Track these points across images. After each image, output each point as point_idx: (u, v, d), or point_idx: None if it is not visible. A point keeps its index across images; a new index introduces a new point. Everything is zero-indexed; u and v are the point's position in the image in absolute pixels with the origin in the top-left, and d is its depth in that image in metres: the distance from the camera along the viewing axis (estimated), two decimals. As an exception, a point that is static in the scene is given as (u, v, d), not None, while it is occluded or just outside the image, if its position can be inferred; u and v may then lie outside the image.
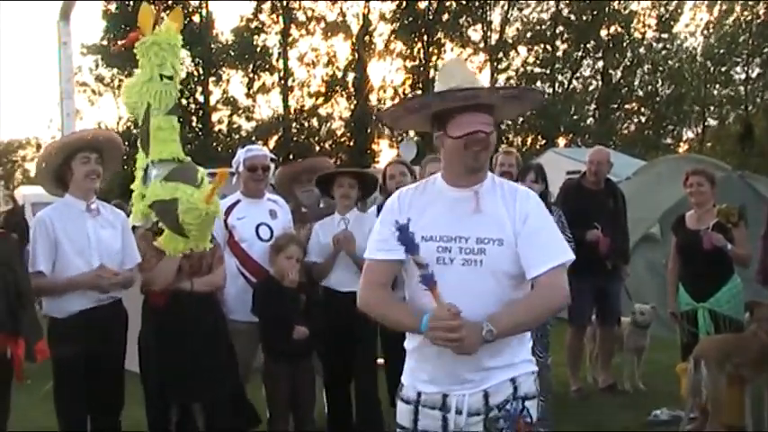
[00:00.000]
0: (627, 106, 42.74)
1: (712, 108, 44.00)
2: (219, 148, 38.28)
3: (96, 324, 4.82)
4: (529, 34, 42.30)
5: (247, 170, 5.75)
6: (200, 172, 3.25)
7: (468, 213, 2.95)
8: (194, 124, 40.70)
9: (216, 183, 3.04)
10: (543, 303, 2.94)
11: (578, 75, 42.85)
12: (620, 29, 41.22)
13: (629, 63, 41.77)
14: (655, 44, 41.72)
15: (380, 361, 6.26)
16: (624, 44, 41.33)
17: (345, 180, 5.71)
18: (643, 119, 43.17)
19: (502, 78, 41.55)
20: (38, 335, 4.56)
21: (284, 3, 41.21)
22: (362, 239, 5.49)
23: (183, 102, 40.26)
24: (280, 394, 5.39)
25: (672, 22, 42.07)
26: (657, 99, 42.33)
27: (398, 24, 41.03)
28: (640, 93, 42.73)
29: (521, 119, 40.86)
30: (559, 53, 42.36)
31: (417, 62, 41.57)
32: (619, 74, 42.22)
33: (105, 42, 37.27)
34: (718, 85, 43.18)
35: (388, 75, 45.31)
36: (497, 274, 2.91)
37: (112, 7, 37.22)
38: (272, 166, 6.04)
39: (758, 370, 5.93)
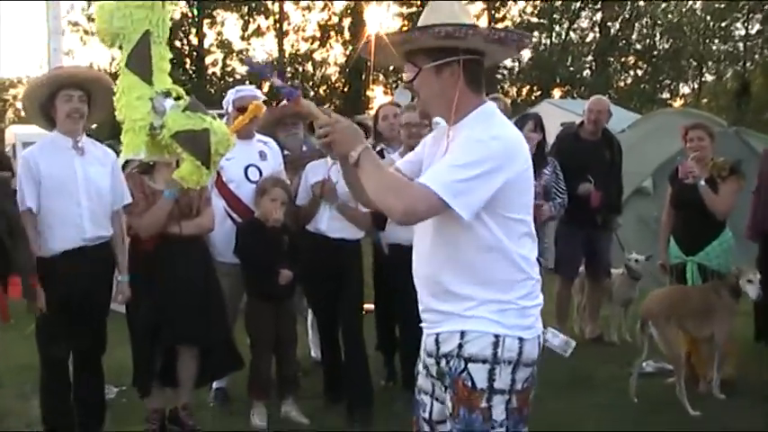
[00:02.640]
0: (624, 59, 42.48)
1: (710, 63, 43.76)
2: (213, 91, 37.99)
3: (81, 265, 4.75)
4: (527, -17, 41.88)
5: (236, 110, 5.71)
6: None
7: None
8: (188, 67, 40.37)
9: (247, 115, 2.96)
10: (392, 195, 2.61)
11: (576, 26, 42.53)
12: (619, -19, 40.81)
13: (627, 16, 41.41)
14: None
15: (371, 306, 6.29)
16: (623, -4, 40.95)
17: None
18: (640, 72, 42.96)
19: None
20: (32, 269, 4.49)
21: (280, -55, 40.67)
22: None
23: (177, 44, 39.95)
24: (263, 335, 5.40)
25: (672, -24, 41.69)
26: (655, 53, 42.06)
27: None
28: (638, 46, 42.44)
29: (516, 69, 40.62)
30: (558, 3, 41.94)
31: (414, 8, 41.14)
32: (617, 26, 41.89)
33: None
34: (717, 41, 42.87)
35: (384, 21, 44.84)
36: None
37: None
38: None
39: (699, 324, 5.87)
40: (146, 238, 5.02)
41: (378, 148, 6.34)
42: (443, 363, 2.78)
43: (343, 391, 5.69)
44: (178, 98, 3.05)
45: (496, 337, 2.67)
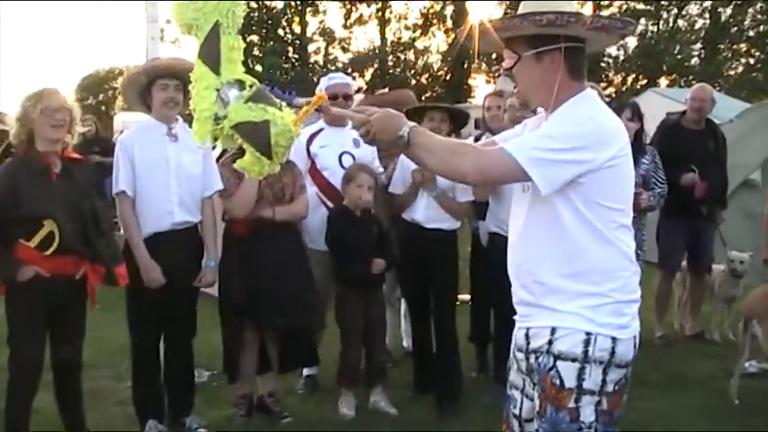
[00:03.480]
0: (735, 47, 41.06)
1: (827, 51, 41.97)
2: (315, 79, 38.38)
3: (169, 248, 4.83)
4: (634, -31, 40.87)
5: (329, 98, 5.69)
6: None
7: None
8: (291, 55, 40.88)
9: (310, 106, 2.94)
10: (457, 159, 2.61)
11: (684, 12, 41.26)
12: (731, -36, 39.44)
13: (739, 1, 39.98)
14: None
15: (465, 297, 6.23)
16: (735, -20, 39.57)
17: (436, 114, 5.59)
18: (752, 60, 41.46)
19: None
20: (117, 260, 4.60)
21: (384, -67, 40.73)
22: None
23: (280, 32, 40.49)
24: (353, 324, 5.38)
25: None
26: (768, 40, 40.56)
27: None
28: (751, 33, 40.94)
29: (621, 57, 39.71)
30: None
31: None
32: (728, 12, 40.50)
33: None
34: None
35: (486, 8, 44.50)
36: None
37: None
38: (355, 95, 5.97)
39: None
40: (239, 221, 5.08)
41: (483, 139, 6.27)
42: (533, 358, 2.71)
43: (432, 381, 5.64)
44: (251, 87, 3.04)
45: (588, 335, 2.58)
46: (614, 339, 2.59)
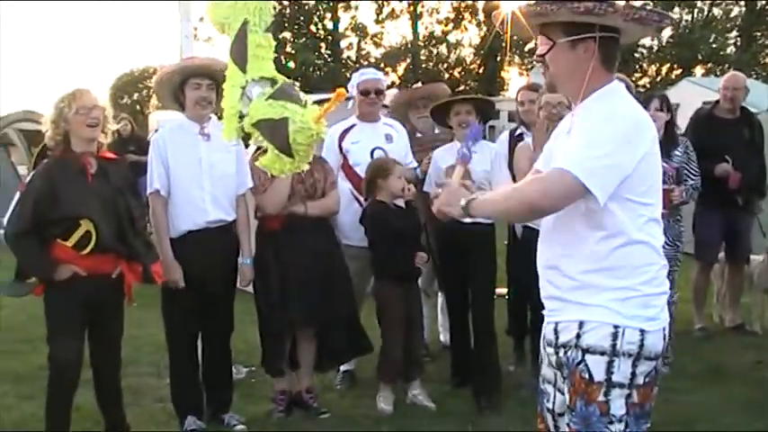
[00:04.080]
0: (772, 34, 40.50)
1: None
2: (348, 75, 38.45)
3: (204, 246, 4.88)
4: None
5: (360, 94, 5.76)
6: (301, 93, 3.16)
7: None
8: (323, 51, 40.99)
9: (331, 102, 2.93)
10: (518, 194, 2.68)
11: (719, 0, 40.76)
12: (767, -51, 38.83)
13: (776, -12, 39.44)
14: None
15: (502, 290, 6.21)
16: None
17: (462, 107, 5.55)
18: (789, 47, 40.88)
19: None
20: (153, 258, 4.64)
21: (415, -72, 40.66)
22: (481, 168, 5.41)
23: (312, 28, 40.59)
24: (394, 318, 5.34)
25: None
26: (808, 26, 39.92)
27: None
28: (788, 19, 40.36)
29: (655, 47, 39.29)
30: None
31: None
32: (765, -1, 39.94)
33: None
34: None
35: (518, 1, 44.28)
36: None
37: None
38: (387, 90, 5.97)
39: None
40: (272, 216, 5.10)
41: (518, 132, 6.25)
42: (561, 353, 2.70)
43: (470, 375, 5.63)
44: (278, 81, 3.06)
45: (616, 327, 2.58)
46: (642, 332, 2.59)
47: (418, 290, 5.63)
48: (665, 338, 2.67)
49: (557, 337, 2.72)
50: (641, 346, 2.58)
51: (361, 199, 5.59)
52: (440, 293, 6.59)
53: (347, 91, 5.85)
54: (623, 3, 2.65)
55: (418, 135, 6.30)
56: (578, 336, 2.63)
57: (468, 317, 5.70)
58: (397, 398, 5.47)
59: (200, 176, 4.91)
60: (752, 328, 7.35)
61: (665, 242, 5.97)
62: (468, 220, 5.46)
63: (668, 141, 5.99)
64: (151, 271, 4.57)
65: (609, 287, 2.60)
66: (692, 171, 6.07)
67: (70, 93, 4.44)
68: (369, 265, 5.53)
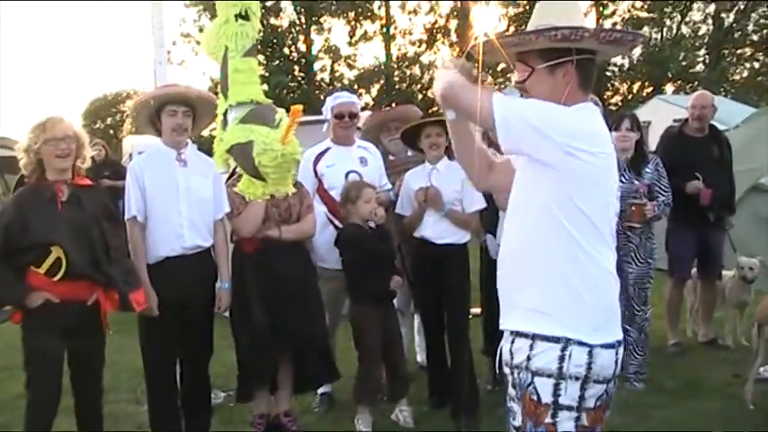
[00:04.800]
0: (739, 51, 40.98)
1: (832, 52, 41.81)
2: (322, 97, 38.50)
3: (182, 272, 4.88)
4: (636, -23, 40.88)
5: (335, 117, 5.79)
6: (278, 113, 3.16)
7: None
8: (297, 73, 41.02)
9: (290, 121, 2.95)
10: (452, 80, 2.76)
11: (688, 19, 41.23)
12: (733, -31, 39.38)
13: (742, 6, 39.94)
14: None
15: (477, 310, 6.24)
16: (738, -14, 39.51)
17: (433, 129, 5.59)
18: (756, 65, 41.37)
19: (608, 24, 40.37)
20: (133, 285, 4.63)
21: (386, -51, 40.88)
22: (452, 189, 5.47)
23: (286, 51, 40.62)
24: (372, 340, 5.34)
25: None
26: (773, 43, 40.44)
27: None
28: (755, 37, 40.86)
29: (626, 65, 39.68)
30: (668, -4, 40.82)
31: (521, 9, 40.76)
32: (731, 17, 40.45)
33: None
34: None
35: (490, 22, 44.55)
36: None
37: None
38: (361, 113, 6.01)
39: None
40: (247, 239, 5.11)
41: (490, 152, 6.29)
42: (515, 374, 2.78)
43: (448, 395, 5.65)
44: (259, 104, 3.09)
45: (563, 350, 2.63)
46: (591, 353, 2.63)
47: (394, 310, 5.64)
48: (617, 363, 2.72)
49: (511, 358, 2.80)
50: (589, 368, 2.63)
51: (337, 222, 5.62)
52: (416, 315, 6.61)
53: (323, 113, 5.93)
54: (597, 26, 2.73)
55: (391, 158, 6.32)
56: (528, 358, 2.70)
57: (444, 337, 5.72)
58: (375, 420, 5.47)
59: (178, 201, 4.91)
60: (725, 342, 7.43)
61: (638, 259, 6.08)
62: (440, 240, 5.54)
63: (639, 159, 6.12)
64: (129, 298, 4.56)
65: (558, 300, 2.69)
66: (662, 188, 6.15)
67: (41, 122, 4.45)
68: (344, 287, 5.54)
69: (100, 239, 4.47)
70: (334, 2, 40.87)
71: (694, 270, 7.55)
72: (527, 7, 39.48)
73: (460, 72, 2.76)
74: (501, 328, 2.89)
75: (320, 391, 5.89)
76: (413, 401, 5.76)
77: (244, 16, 3.21)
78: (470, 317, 5.77)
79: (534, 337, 2.68)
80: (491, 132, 2.66)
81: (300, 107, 3.05)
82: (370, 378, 5.41)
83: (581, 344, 2.62)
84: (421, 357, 6.71)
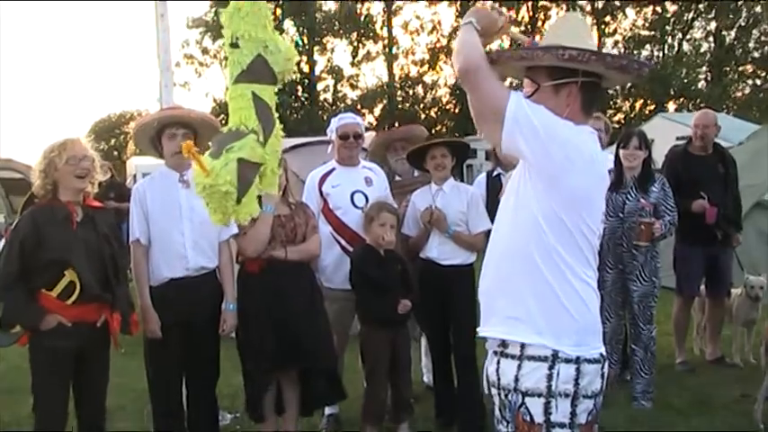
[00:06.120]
0: (741, 68, 41.07)
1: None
2: (325, 117, 38.66)
3: (186, 293, 4.89)
4: (637, -5, 41.02)
5: (339, 138, 5.81)
6: (243, 139, 3.10)
7: None
8: (300, 94, 41.18)
9: (187, 156, 2.96)
10: (475, 47, 2.79)
11: (689, 37, 41.39)
12: (734, -14, 39.50)
13: (743, 23, 40.05)
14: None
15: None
16: (738, 3, 39.56)
17: (438, 151, 5.63)
18: (759, 81, 41.44)
19: (609, 42, 40.53)
20: (131, 308, 4.66)
21: (388, -30, 41.10)
22: (458, 209, 5.48)
23: (289, 71, 40.79)
24: (379, 361, 5.35)
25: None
26: (774, 60, 40.53)
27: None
28: (756, 54, 40.96)
29: (628, 83, 39.76)
30: (669, 15, 40.93)
31: (522, 28, 40.91)
32: (732, 35, 40.56)
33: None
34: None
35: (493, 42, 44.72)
36: None
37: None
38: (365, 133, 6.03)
39: None
40: (252, 259, 5.09)
41: (495, 173, 6.33)
42: (502, 395, 2.79)
43: (455, 416, 5.64)
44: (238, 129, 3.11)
45: (550, 369, 2.65)
46: (578, 369, 2.65)
47: (407, 333, 5.63)
48: (602, 377, 2.74)
49: (498, 379, 2.81)
50: (576, 384, 2.66)
51: (343, 242, 5.62)
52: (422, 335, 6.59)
53: (326, 134, 5.94)
54: (605, 51, 2.75)
55: (397, 178, 6.34)
56: (516, 379, 2.71)
57: (450, 357, 5.71)
58: (382, 440, 5.45)
59: (181, 223, 4.92)
60: (732, 360, 7.40)
61: (643, 277, 6.06)
62: (446, 261, 5.52)
63: (645, 178, 6.11)
64: (129, 320, 4.57)
65: (542, 314, 2.70)
66: (668, 206, 6.14)
67: (61, 142, 4.47)
68: (351, 307, 5.54)
69: (110, 261, 4.49)
70: (336, 22, 41.07)
71: (702, 287, 7.53)
72: (528, 26, 39.69)
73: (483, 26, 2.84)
74: (481, 334, 2.90)
75: (327, 411, 5.87)
76: (419, 421, 5.74)
77: (234, 44, 3.22)
78: (476, 337, 5.73)
79: (522, 356, 2.70)
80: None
81: (191, 143, 3.04)
82: (376, 399, 5.40)
83: (568, 360, 2.65)
84: (428, 378, 6.69)
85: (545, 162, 2.64)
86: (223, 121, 3.40)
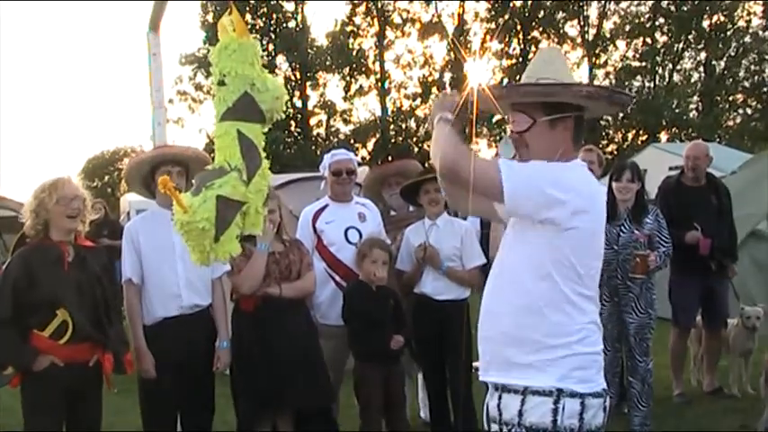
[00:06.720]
0: (732, 98, 41.32)
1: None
2: (318, 152, 38.75)
3: (180, 332, 4.86)
4: (627, 27, 41.36)
5: (332, 174, 5.80)
6: (225, 176, 3.10)
7: None
8: (293, 129, 41.30)
9: (168, 194, 2.95)
10: (451, 144, 2.85)
11: (679, 67, 41.68)
12: (722, 18, 39.84)
13: (733, 53, 40.37)
14: (761, 32, 40.14)
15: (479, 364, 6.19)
16: (728, 34, 39.94)
17: (431, 185, 5.61)
18: (749, 110, 41.68)
19: (600, 74, 40.81)
20: (125, 347, 4.63)
21: (379, 5, 41.35)
22: (452, 244, 5.47)
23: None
24: (373, 398, 5.31)
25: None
26: (765, 89, 40.77)
27: (494, 23, 40.72)
28: (746, 84, 41.24)
29: (620, 114, 40.03)
30: (659, 46, 41.26)
31: (514, 61, 41.18)
32: (722, 64, 40.86)
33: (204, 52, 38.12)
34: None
35: (484, 74, 45.03)
36: None
37: (210, 18, 37.94)
38: (358, 169, 6.02)
39: None
40: (247, 297, 5.06)
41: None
42: (505, 430, 2.76)
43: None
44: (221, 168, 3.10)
45: (556, 403, 2.64)
46: (582, 404, 2.65)
47: (400, 369, 5.58)
48: (605, 411, 2.73)
49: (500, 414, 2.77)
50: (581, 419, 2.65)
51: (337, 278, 5.60)
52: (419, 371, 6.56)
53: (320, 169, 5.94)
54: (614, 87, 2.80)
55: (393, 213, 6.34)
56: (520, 413, 2.69)
57: (446, 391, 5.68)
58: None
59: (174, 261, 4.90)
60: (730, 391, 7.36)
61: (638, 309, 6.05)
62: (440, 296, 5.52)
63: (639, 209, 6.12)
64: (123, 360, 4.55)
65: (546, 351, 2.71)
66: (663, 238, 6.14)
67: (51, 182, 4.47)
68: (347, 342, 5.50)
69: (102, 300, 4.47)
70: (329, 57, 41.29)
71: (698, 318, 7.50)
72: (519, 59, 39.95)
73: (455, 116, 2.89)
74: (487, 380, 2.87)
75: (323, 449, 5.81)
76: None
77: (221, 82, 3.22)
78: (473, 370, 5.71)
79: (525, 391, 2.68)
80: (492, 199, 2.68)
81: (167, 178, 3.04)
82: (370, 433, 5.36)
83: (573, 395, 2.64)
84: (424, 413, 6.65)
85: (555, 214, 2.65)
86: (213, 158, 3.40)
